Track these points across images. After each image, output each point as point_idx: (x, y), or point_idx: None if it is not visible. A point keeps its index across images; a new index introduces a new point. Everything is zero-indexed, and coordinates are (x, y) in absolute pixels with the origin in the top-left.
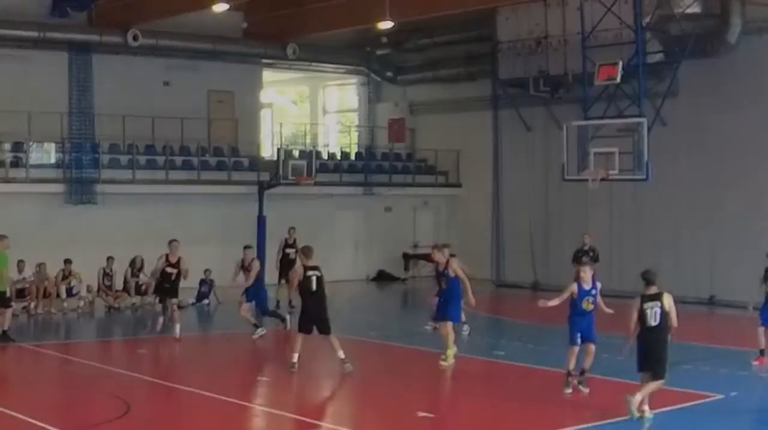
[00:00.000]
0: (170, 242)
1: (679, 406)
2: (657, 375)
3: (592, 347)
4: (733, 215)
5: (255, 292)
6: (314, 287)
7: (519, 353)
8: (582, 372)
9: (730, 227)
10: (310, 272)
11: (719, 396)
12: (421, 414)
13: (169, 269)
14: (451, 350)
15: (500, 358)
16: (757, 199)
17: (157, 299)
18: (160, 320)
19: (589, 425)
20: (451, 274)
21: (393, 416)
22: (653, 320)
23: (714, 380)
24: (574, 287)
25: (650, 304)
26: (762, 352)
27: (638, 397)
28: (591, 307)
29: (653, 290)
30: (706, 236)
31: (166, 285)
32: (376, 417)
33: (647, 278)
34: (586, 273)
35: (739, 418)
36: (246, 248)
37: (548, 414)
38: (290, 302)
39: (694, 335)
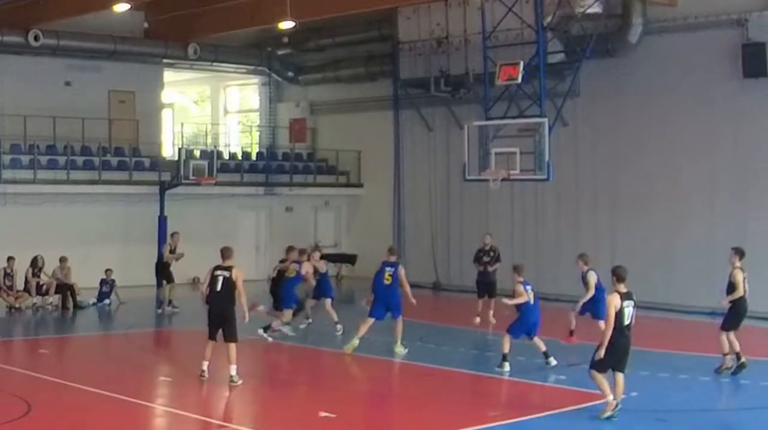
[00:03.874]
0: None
1: (579, 406)
2: None
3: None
4: (634, 214)
5: None
6: (219, 287)
7: (420, 353)
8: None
9: (631, 226)
10: (217, 272)
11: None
12: (323, 414)
13: None
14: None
15: (401, 358)
16: (656, 198)
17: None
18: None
19: (492, 425)
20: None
21: (294, 416)
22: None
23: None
24: None
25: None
26: (572, 332)
27: None
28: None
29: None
30: (607, 235)
31: None
32: (278, 417)
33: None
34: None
35: (640, 418)
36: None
37: (450, 414)
38: (170, 301)
39: (595, 335)
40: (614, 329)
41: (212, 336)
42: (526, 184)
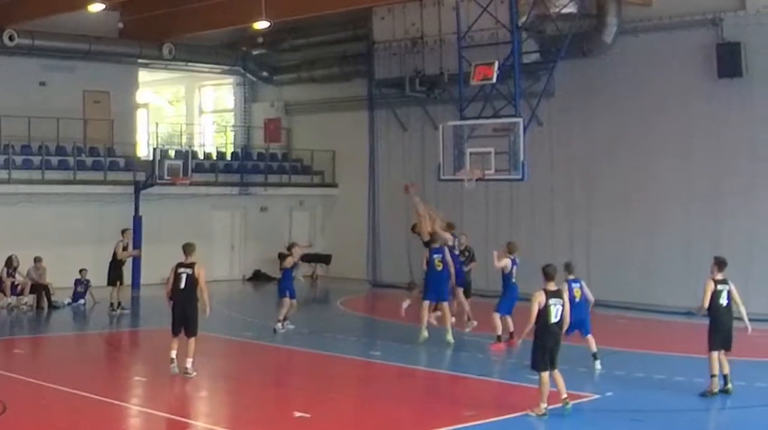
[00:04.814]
0: None
1: (555, 406)
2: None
3: None
4: (609, 213)
5: None
6: (182, 284)
7: (395, 354)
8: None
9: (607, 226)
10: (181, 270)
11: (596, 396)
12: (298, 414)
13: None
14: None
15: (376, 358)
16: (632, 197)
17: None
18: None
19: (467, 424)
20: None
21: (269, 415)
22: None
23: (590, 380)
24: None
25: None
26: (499, 337)
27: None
28: None
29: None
30: (582, 235)
31: None
32: (253, 417)
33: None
34: None
35: (615, 418)
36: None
37: (425, 414)
38: (119, 303)
39: (570, 335)
40: (541, 326)
41: (177, 333)
42: (501, 184)
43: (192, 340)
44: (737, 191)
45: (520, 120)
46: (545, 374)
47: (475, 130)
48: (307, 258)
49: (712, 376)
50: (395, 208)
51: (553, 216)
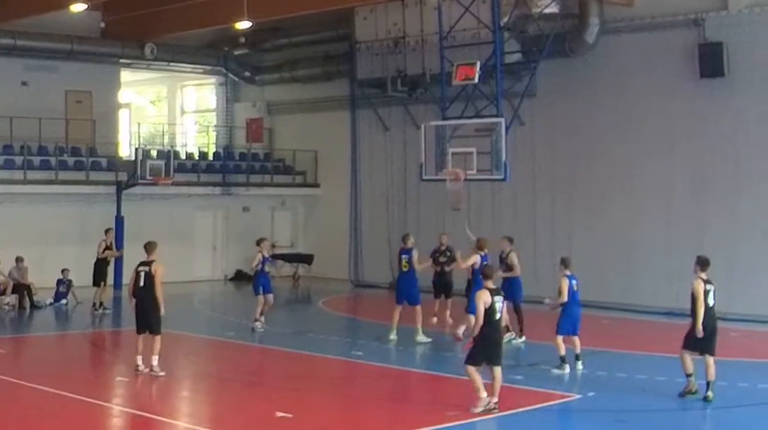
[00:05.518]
0: None
1: (537, 406)
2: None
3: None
4: (591, 214)
5: None
6: (141, 282)
7: (377, 354)
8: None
9: (589, 226)
10: (140, 268)
11: (577, 396)
12: (280, 414)
13: None
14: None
15: (358, 358)
16: (614, 198)
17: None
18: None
19: (449, 425)
20: None
21: (251, 416)
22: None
23: (572, 380)
24: None
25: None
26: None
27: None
28: None
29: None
30: (564, 235)
31: None
32: (235, 417)
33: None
34: None
35: (597, 418)
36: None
37: (407, 414)
38: (101, 303)
39: (551, 335)
40: (486, 323)
41: (140, 331)
42: (482, 184)
43: (157, 338)
44: (719, 191)
45: (502, 120)
46: (473, 369)
47: (457, 130)
48: (289, 258)
49: (688, 375)
50: (377, 208)
51: (535, 216)
